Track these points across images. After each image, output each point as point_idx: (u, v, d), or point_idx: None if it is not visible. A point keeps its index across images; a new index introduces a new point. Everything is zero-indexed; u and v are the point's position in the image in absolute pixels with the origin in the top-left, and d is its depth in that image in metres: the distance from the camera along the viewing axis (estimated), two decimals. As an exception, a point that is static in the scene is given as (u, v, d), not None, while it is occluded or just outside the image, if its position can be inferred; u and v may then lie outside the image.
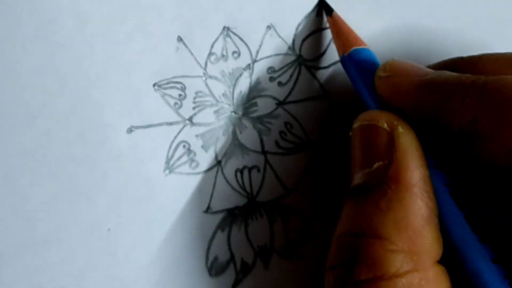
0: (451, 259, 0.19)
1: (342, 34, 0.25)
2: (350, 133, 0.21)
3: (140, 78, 0.25)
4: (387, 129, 0.20)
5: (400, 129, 0.20)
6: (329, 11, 0.26)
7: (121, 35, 0.25)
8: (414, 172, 0.19)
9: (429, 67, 0.22)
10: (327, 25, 0.27)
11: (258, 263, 0.25)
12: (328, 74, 0.26)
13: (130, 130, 0.25)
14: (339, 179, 0.26)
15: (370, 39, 0.25)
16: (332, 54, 0.27)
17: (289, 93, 0.26)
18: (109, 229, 0.25)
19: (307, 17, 0.27)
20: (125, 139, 0.25)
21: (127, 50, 0.25)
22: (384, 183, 0.19)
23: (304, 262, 0.26)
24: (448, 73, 0.21)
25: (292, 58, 0.27)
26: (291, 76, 0.27)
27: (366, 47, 0.24)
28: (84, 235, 0.24)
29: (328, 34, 0.27)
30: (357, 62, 0.24)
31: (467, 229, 0.19)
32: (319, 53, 0.27)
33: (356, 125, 0.21)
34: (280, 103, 0.26)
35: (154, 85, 0.26)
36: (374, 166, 0.20)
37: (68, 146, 0.25)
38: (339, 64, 0.26)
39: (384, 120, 0.20)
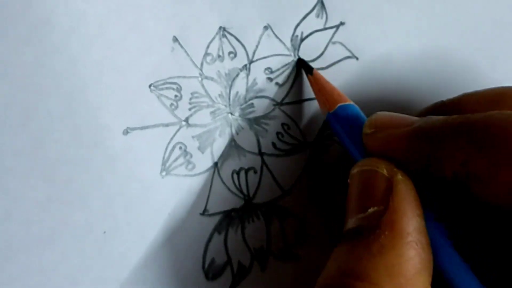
0: None
1: (326, 92, 0.25)
2: (348, 180, 0.21)
3: (136, 79, 0.25)
4: (386, 175, 0.20)
5: (399, 177, 0.19)
6: (309, 69, 0.26)
7: (116, 36, 0.25)
8: (410, 220, 0.18)
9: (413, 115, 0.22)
10: (327, 25, 0.26)
11: (255, 265, 0.25)
12: (326, 75, 0.26)
13: (126, 132, 0.25)
14: (336, 180, 0.26)
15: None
16: (331, 55, 0.26)
17: (287, 94, 0.26)
18: (104, 232, 0.24)
19: (305, 17, 0.26)
20: (121, 141, 0.25)
21: (122, 51, 0.25)
22: (378, 228, 0.18)
23: (301, 264, 0.25)
24: (434, 117, 0.20)
25: (290, 59, 0.26)
26: (288, 77, 0.26)
27: (351, 103, 0.24)
28: (79, 237, 0.24)
29: (327, 35, 0.27)
30: (344, 118, 0.23)
31: (475, 281, 0.19)
32: (317, 54, 0.26)
33: (355, 170, 0.21)
34: (277, 104, 0.26)
35: (149, 86, 0.25)
36: (369, 210, 0.19)
37: (63, 148, 0.24)
38: (337, 66, 0.26)
39: (384, 166, 0.20)
